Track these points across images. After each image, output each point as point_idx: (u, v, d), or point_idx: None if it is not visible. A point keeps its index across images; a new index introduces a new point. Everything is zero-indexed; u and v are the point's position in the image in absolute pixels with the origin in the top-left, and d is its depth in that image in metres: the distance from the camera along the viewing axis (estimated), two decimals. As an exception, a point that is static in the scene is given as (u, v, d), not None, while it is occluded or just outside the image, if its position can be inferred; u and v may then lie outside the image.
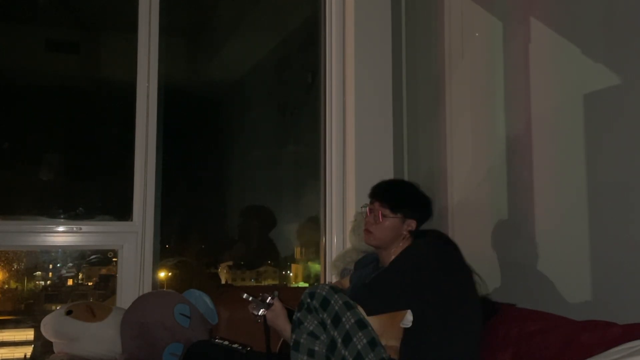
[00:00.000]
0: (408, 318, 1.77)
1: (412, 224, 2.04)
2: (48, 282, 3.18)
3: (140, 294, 2.66)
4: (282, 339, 2.08)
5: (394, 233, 2.04)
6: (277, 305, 1.95)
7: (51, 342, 2.39)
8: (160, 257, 2.96)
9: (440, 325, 1.77)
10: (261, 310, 1.94)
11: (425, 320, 1.77)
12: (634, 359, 1.24)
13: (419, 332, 1.76)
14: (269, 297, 1.96)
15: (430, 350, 1.76)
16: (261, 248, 3.58)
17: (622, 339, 1.40)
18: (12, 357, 3.14)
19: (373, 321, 1.75)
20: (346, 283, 2.29)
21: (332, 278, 2.80)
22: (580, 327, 1.60)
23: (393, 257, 1.99)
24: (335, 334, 1.71)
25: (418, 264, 1.85)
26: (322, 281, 3.12)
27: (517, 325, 1.76)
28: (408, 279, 1.83)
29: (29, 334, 3.10)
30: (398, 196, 2.08)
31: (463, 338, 1.79)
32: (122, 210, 2.83)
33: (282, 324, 1.92)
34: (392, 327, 1.78)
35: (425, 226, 2.10)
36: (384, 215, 2.03)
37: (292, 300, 1.99)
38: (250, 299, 1.98)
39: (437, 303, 1.78)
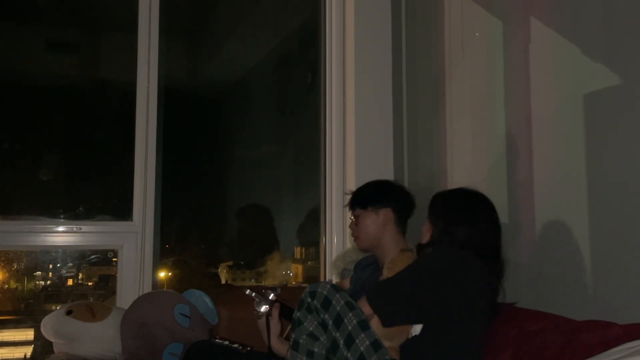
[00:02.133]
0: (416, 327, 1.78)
1: (387, 213, 2.07)
2: (48, 282, 3.18)
3: (140, 294, 2.65)
4: (284, 336, 2.09)
5: (375, 226, 2.07)
6: (275, 315, 1.97)
7: (51, 342, 2.39)
8: (160, 257, 2.96)
9: (442, 328, 1.76)
10: (263, 307, 1.96)
11: (427, 322, 1.76)
12: (634, 359, 1.24)
13: (421, 333, 1.76)
14: (272, 294, 1.98)
15: (430, 351, 1.75)
16: (260, 246, 3.58)
17: (622, 339, 1.40)
18: (12, 357, 3.14)
19: (373, 322, 1.74)
20: (346, 284, 2.29)
21: (332, 278, 2.80)
22: (580, 327, 1.60)
23: (391, 256, 1.99)
24: (337, 335, 1.69)
25: (427, 268, 1.83)
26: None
27: (517, 325, 1.76)
28: (415, 285, 1.80)
29: (29, 334, 3.10)
30: (362, 194, 2.16)
31: (465, 340, 1.78)
32: (122, 210, 2.83)
33: (273, 341, 1.96)
34: (392, 328, 1.78)
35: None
36: (357, 216, 2.11)
37: (291, 300, 1.99)
38: (254, 294, 1.99)
39: (441, 306, 1.77)
